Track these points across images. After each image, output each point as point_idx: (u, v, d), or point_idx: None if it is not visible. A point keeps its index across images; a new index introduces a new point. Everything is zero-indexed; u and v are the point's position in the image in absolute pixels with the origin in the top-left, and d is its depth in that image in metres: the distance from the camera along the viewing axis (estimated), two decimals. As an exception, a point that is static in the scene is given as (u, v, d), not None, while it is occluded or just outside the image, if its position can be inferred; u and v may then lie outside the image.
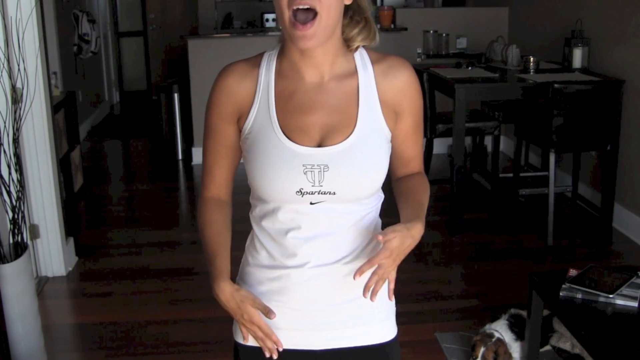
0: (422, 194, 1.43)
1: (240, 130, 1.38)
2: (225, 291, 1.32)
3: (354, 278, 1.27)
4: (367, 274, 1.27)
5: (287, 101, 1.34)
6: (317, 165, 1.30)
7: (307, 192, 1.30)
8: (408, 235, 1.28)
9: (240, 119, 1.37)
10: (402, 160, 1.46)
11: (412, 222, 1.30)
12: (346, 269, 1.38)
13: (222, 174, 1.44)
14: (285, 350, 1.42)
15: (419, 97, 1.41)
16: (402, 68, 1.38)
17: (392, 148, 1.42)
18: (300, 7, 1.25)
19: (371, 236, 1.41)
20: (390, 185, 1.48)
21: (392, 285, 1.33)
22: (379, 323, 1.44)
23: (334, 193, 1.31)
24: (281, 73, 1.36)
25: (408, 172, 1.47)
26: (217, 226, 1.42)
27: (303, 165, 1.30)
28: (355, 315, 1.41)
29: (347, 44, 1.37)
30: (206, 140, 1.43)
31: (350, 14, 1.37)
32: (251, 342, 1.44)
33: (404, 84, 1.37)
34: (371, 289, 1.27)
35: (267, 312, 1.31)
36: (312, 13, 1.26)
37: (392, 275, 1.31)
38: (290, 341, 1.41)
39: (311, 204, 1.32)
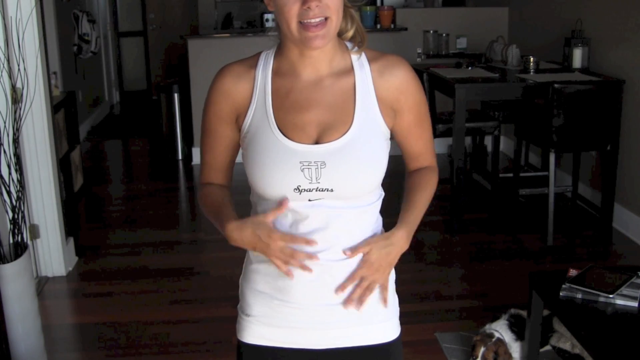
0: (421, 192, 1.46)
1: (239, 129, 1.38)
2: (235, 225, 1.32)
3: (335, 292, 1.35)
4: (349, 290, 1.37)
5: (283, 99, 1.35)
6: (314, 162, 1.30)
7: (305, 189, 1.31)
8: (387, 244, 1.35)
9: (239, 119, 1.38)
10: (409, 155, 1.50)
11: (394, 229, 1.37)
12: (347, 267, 1.37)
13: (221, 166, 1.46)
14: (286, 350, 1.42)
15: (418, 92, 1.41)
16: (399, 66, 1.38)
17: (399, 144, 1.46)
18: (313, 20, 1.26)
19: (371, 234, 1.41)
20: (390, 185, 1.48)
21: (385, 294, 1.40)
22: (381, 323, 1.44)
23: (332, 190, 1.31)
24: (278, 72, 1.37)
25: (418, 166, 1.50)
26: (217, 195, 1.44)
27: (300, 162, 1.30)
28: (358, 314, 1.40)
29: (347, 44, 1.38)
30: (204, 138, 1.45)
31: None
32: (253, 341, 1.44)
33: (401, 81, 1.37)
34: (355, 299, 1.36)
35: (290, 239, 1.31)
36: (322, 16, 1.27)
37: (385, 284, 1.39)
38: (292, 340, 1.42)
39: (309, 201, 1.32)
